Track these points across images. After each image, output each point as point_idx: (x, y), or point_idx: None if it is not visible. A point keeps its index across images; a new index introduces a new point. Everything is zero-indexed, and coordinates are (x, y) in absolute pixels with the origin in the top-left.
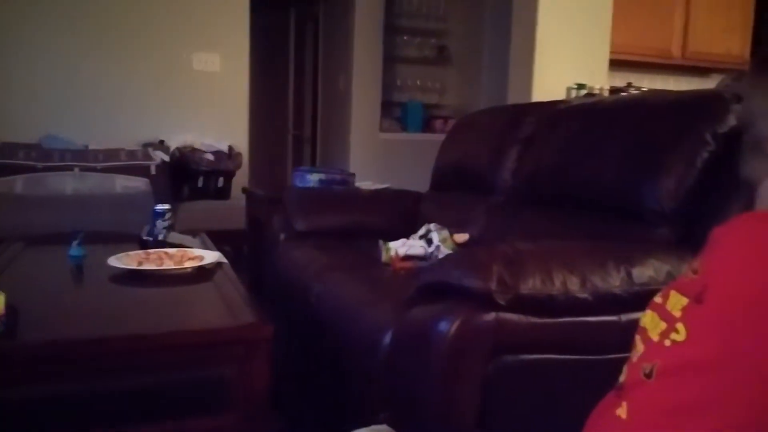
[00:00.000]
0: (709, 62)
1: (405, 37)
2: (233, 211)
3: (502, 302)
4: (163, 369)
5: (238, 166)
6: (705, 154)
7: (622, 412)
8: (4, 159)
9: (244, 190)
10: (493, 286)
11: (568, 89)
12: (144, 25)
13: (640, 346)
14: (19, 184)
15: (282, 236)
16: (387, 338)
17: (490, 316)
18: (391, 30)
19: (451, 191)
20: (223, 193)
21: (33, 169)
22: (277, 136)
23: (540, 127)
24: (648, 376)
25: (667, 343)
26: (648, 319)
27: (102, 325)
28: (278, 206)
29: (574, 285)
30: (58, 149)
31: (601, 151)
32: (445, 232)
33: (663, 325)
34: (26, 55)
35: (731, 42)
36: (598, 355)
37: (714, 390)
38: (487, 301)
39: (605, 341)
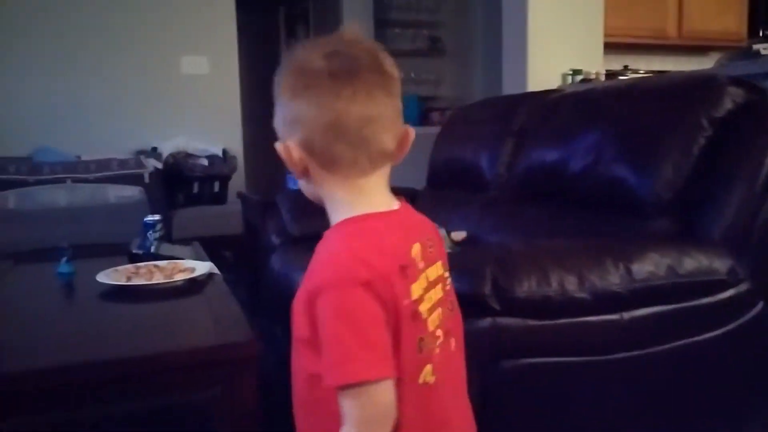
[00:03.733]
0: (706, 41)
1: (396, 30)
2: (230, 216)
3: (498, 307)
4: (149, 391)
5: (234, 169)
6: (701, 140)
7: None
8: None
9: (239, 195)
10: (487, 290)
11: (564, 75)
12: (130, 32)
13: None
14: (11, 199)
15: (277, 241)
16: None
17: (486, 321)
18: (382, 23)
19: (447, 187)
20: (220, 198)
21: (24, 184)
22: (273, 138)
23: (532, 118)
24: None
25: None
26: None
27: (89, 349)
28: (272, 211)
29: (571, 285)
30: (49, 162)
31: (594, 141)
32: (443, 231)
33: None
34: (14, 68)
35: (727, 19)
36: (600, 355)
37: None
38: (482, 306)
39: (607, 341)
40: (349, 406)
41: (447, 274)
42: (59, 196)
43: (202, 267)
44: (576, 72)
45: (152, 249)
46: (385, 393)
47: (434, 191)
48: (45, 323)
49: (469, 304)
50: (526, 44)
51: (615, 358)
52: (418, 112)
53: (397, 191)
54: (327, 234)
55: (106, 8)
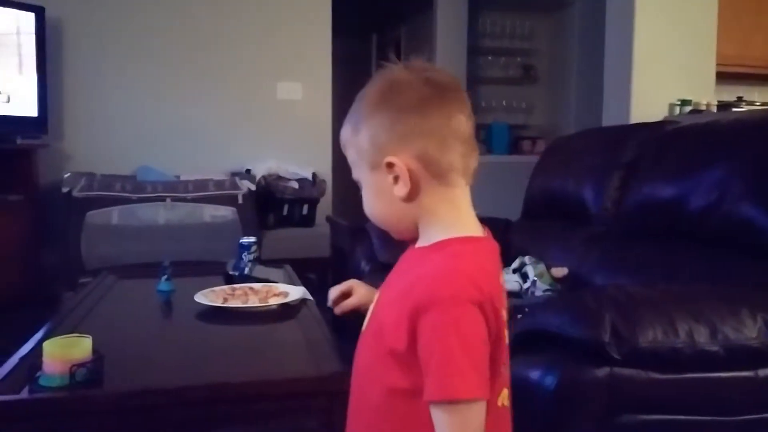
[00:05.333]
0: None
1: (489, 58)
2: (318, 238)
3: (617, 356)
4: (244, 419)
5: (323, 193)
6: None
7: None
8: (102, 191)
9: (328, 219)
10: (606, 337)
11: (671, 106)
12: (229, 58)
13: None
14: (115, 215)
15: (366, 267)
16: None
17: (603, 371)
18: (474, 51)
19: (545, 219)
20: (308, 221)
21: (128, 201)
22: None
23: (645, 150)
24: None
25: None
26: None
27: (186, 372)
28: (362, 236)
29: (702, 336)
30: (150, 181)
31: (718, 177)
32: (542, 266)
33: None
34: (122, 92)
35: None
36: (731, 416)
37: None
38: (599, 354)
39: (740, 400)
40: (446, 421)
41: None
42: (159, 213)
43: (296, 292)
44: (685, 102)
45: (246, 271)
46: (480, 413)
47: (530, 222)
48: (145, 341)
49: (585, 351)
50: (631, 72)
51: (748, 419)
52: (508, 140)
53: (490, 222)
54: (426, 251)
55: (208, 37)
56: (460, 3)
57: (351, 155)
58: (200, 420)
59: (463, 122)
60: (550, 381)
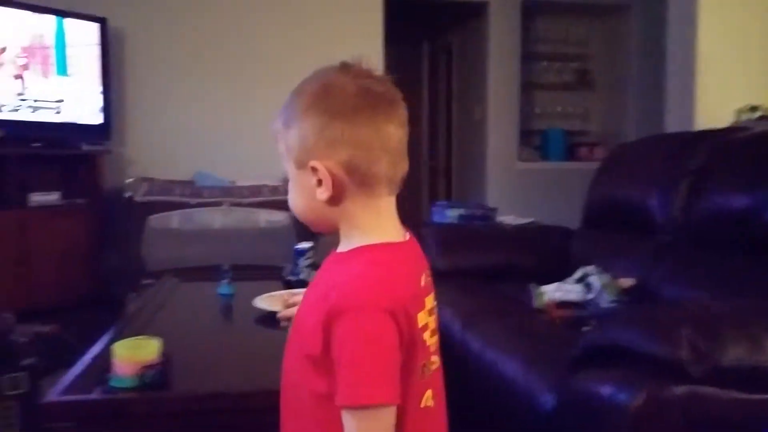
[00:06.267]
0: None
1: (544, 63)
2: None
3: (698, 374)
4: None
5: None
6: None
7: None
8: (162, 196)
9: None
10: (685, 354)
11: (739, 111)
12: (283, 67)
13: None
14: (174, 219)
15: None
16: (549, 403)
17: (681, 389)
18: (528, 56)
19: (607, 228)
20: None
21: (186, 205)
22: (412, 168)
23: (715, 157)
24: None
25: None
26: None
27: (250, 377)
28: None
29: None
30: (208, 186)
31: None
32: (607, 276)
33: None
34: (181, 100)
35: None
36: None
37: None
38: (675, 372)
39: None
40: (354, 426)
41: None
42: (216, 218)
43: None
44: (754, 108)
45: (302, 276)
46: (390, 417)
47: (592, 231)
48: (208, 344)
49: (660, 368)
50: (695, 76)
51: None
52: (564, 146)
53: (550, 230)
54: (345, 257)
55: (263, 47)
56: (513, 8)
57: (280, 147)
58: (263, 426)
59: (392, 133)
60: (624, 398)
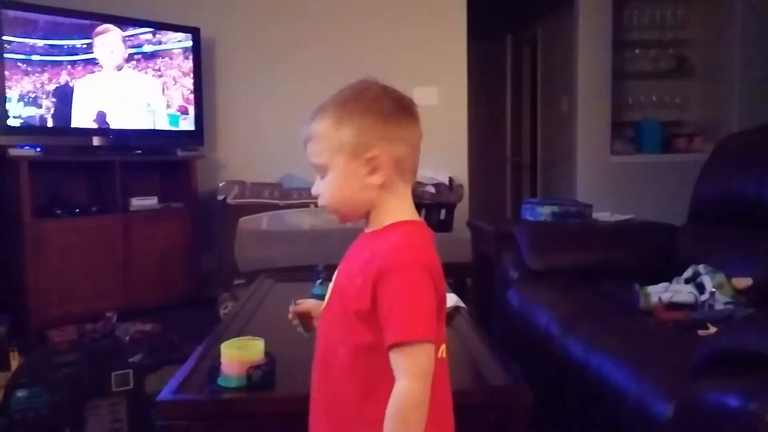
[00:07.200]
0: None
1: (636, 51)
2: (456, 243)
3: None
4: None
5: (460, 197)
6: None
7: None
8: (253, 198)
9: (469, 224)
10: None
11: None
12: (367, 66)
13: None
14: (264, 221)
15: (514, 275)
16: (665, 412)
17: None
18: (619, 45)
19: (718, 224)
20: (446, 226)
21: (276, 207)
22: (495, 165)
23: None
24: None
25: None
26: None
27: None
28: (507, 242)
29: None
30: (295, 188)
31: None
32: (721, 276)
33: None
34: (268, 105)
35: None
36: None
37: None
38: None
39: None
40: (404, 359)
41: None
42: (304, 219)
43: (449, 299)
44: None
45: None
46: (430, 354)
47: (700, 227)
48: (306, 344)
49: None
50: None
51: None
52: (660, 138)
53: (652, 226)
54: (379, 233)
55: (345, 48)
56: None
57: (320, 145)
58: None
59: (419, 133)
60: (755, 408)
